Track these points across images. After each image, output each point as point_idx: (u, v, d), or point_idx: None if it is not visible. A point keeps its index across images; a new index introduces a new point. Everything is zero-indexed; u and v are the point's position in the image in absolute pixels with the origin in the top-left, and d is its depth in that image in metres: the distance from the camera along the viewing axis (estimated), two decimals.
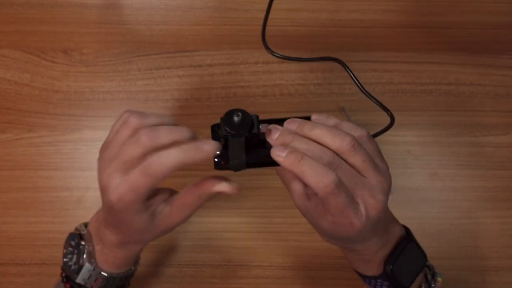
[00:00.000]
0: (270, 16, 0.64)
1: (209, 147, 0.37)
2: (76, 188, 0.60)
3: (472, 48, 0.64)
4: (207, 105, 0.62)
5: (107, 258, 0.44)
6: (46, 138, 0.61)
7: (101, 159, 0.40)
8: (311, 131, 0.39)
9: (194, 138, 0.39)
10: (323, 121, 0.41)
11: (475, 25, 0.64)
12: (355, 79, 0.48)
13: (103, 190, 0.39)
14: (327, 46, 0.64)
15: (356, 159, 0.38)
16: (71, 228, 0.59)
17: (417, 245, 0.45)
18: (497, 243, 0.59)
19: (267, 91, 0.62)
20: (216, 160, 0.40)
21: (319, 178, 0.36)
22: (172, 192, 0.42)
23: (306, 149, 0.38)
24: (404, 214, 0.60)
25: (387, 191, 0.40)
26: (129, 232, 0.41)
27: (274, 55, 0.49)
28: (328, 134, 0.39)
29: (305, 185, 0.40)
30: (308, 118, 0.42)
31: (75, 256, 0.44)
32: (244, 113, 0.39)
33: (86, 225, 0.46)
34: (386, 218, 0.43)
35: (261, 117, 0.41)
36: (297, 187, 0.40)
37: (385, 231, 0.43)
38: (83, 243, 0.44)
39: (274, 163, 0.39)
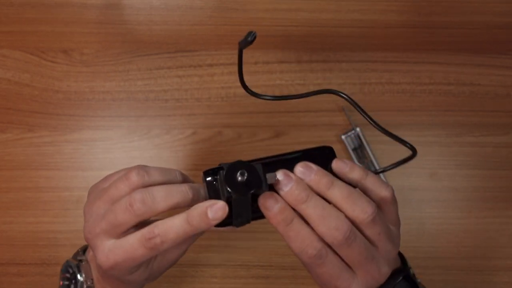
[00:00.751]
0: (270, 16, 0.64)
1: (217, 215, 0.33)
2: (77, 188, 0.60)
3: (472, 48, 0.64)
4: (207, 105, 0.62)
5: None
6: (46, 138, 0.61)
7: (88, 208, 0.36)
8: (328, 190, 0.34)
9: (194, 194, 0.35)
10: (346, 172, 0.36)
11: (475, 25, 0.64)
12: (363, 114, 0.44)
13: (91, 248, 0.35)
14: (327, 46, 0.64)
15: (373, 232, 0.35)
16: (71, 228, 0.59)
17: (410, 277, 0.40)
18: (497, 243, 0.59)
19: (267, 91, 0.62)
20: (222, 223, 0.35)
21: (303, 248, 0.33)
22: None
23: (321, 216, 0.33)
24: (404, 214, 0.60)
25: (394, 258, 0.37)
26: (126, 285, 0.39)
27: (256, 95, 0.46)
28: (347, 200, 0.34)
29: None
30: (323, 149, 0.37)
31: (72, 286, 0.40)
32: (248, 169, 0.33)
33: (85, 250, 0.42)
34: None
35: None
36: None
37: None
38: (79, 277, 0.40)
39: None
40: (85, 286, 0.40)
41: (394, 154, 0.61)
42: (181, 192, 0.34)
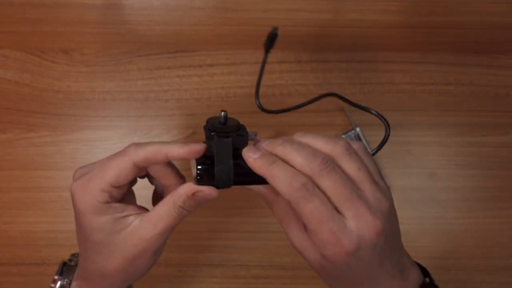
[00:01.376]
0: (270, 16, 0.64)
1: (193, 146, 0.34)
2: None
3: (472, 48, 0.64)
4: (207, 105, 0.62)
5: None
6: (47, 138, 0.61)
7: (76, 173, 0.37)
8: (301, 138, 0.36)
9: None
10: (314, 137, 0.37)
11: (475, 25, 0.64)
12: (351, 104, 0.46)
13: (72, 193, 0.36)
14: (327, 46, 0.64)
15: (350, 166, 0.34)
16: (71, 228, 0.59)
17: None
18: (496, 243, 0.59)
19: (267, 91, 0.62)
20: (198, 172, 0.35)
21: (288, 181, 0.33)
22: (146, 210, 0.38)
23: (297, 149, 0.34)
24: (404, 214, 0.60)
25: (387, 213, 0.34)
26: (91, 248, 0.36)
27: (266, 111, 0.47)
28: (320, 139, 0.35)
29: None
30: None
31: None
32: (228, 116, 0.36)
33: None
34: (395, 252, 0.36)
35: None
36: (291, 222, 0.36)
37: (401, 276, 0.37)
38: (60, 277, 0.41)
39: (263, 181, 0.35)
40: (59, 282, 0.40)
41: (394, 154, 0.61)
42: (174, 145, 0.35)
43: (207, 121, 0.36)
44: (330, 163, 0.33)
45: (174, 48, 0.64)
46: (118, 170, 0.34)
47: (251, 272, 0.58)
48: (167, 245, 0.60)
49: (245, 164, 0.35)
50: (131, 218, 0.36)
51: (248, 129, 0.38)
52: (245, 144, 0.36)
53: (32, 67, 0.63)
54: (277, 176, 0.33)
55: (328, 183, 0.33)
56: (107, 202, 0.35)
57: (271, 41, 0.43)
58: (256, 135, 0.37)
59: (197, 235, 0.59)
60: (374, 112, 0.41)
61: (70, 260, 0.42)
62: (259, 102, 0.44)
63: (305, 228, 0.36)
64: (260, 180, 0.35)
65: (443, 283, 0.60)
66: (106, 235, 0.35)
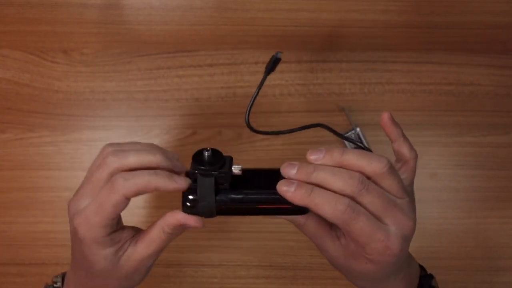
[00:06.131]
0: (270, 16, 0.64)
1: (182, 181, 0.37)
2: (76, 188, 0.60)
3: (472, 48, 0.64)
4: (207, 105, 0.62)
5: None
6: (46, 138, 0.61)
7: (71, 207, 0.39)
8: (342, 155, 0.37)
9: (170, 161, 0.38)
10: (321, 158, 0.38)
11: (475, 25, 0.64)
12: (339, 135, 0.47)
13: (70, 220, 0.38)
14: (327, 46, 0.64)
15: (393, 181, 0.37)
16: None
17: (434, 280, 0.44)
18: (497, 243, 0.59)
19: (267, 91, 0.62)
20: (186, 203, 0.38)
21: (334, 206, 0.34)
22: (140, 231, 0.41)
23: (333, 173, 0.35)
24: None
25: (414, 210, 0.39)
26: (92, 272, 0.39)
27: (256, 131, 0.47)
28: (363, 157, 0.36)
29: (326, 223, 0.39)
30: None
31: None
32: (214, 151, 0.38)
33: (64, 276, 0.44)
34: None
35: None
36: (323, 236, 0.39)
37: (408, 264, 0.42)
38: None
39: (251, 212, 0.38)
40: None
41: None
42: (152, 152, 0.37)
43: (193, 157, 0.37)
44: (365, 181, 0.36)
45: (174, 48, 0.64)
46: (114, 207, 0.36)
47: (251, 272, 0.58)
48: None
49: (232, 199, 0.37)
50: (127, 243, 0.39)
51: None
52: (228, 180, 0.37)
53: (31, 67, 0.63)
54: (321, 204, 0.35)
55: (369, 199, 0.35)
56: (108, 234, 0.37)
57: (273, 64, 0.44)
58: (240, 169, 0.37)
59: (197, 235, 0.59)
60: (361, 145, 0.44)
61: (55, 282, 0.44)
62: (249, 121, 0.44)
63: (337, 237, 0.39)
64: (247, 211, 0.38)
65: (443, 283, 0.60)
66: (109, 263, 0.38)
